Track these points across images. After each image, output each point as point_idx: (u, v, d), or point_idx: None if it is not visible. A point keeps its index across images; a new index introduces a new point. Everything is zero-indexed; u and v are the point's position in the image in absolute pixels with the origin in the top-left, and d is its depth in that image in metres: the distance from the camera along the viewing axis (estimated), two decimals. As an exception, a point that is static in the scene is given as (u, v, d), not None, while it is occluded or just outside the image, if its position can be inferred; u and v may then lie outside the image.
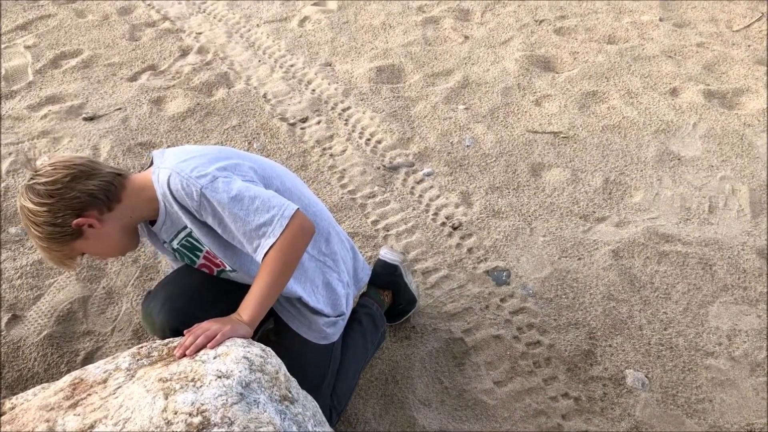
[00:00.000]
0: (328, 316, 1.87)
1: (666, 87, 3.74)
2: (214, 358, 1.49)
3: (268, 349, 1.61)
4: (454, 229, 2.84)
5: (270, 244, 1.56)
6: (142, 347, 1.62)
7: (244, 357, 1.50)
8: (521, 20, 4.44)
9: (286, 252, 1.57)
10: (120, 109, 3.51)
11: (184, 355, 1.50)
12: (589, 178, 3.12)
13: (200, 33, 4.14)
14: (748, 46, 4.12)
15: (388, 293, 2.35)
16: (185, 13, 4.38)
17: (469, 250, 2.75)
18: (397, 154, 3.23)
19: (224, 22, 4.19)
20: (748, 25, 4.36)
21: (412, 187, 3.08)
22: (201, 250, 1.78)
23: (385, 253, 2.39)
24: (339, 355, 1.98)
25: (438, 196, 3.03)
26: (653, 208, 2.98)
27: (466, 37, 4.24)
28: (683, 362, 2.32)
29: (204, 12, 4.36)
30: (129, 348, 1.96)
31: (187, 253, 1.81)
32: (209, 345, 1.52)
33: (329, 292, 1.87)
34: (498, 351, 2.34)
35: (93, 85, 3.73)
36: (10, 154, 3.14)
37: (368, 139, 3.33)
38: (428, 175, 3.15)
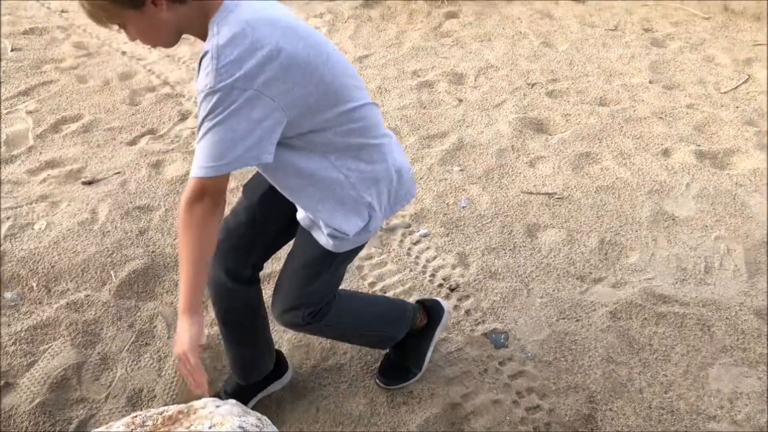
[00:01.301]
0: (335, 235, 1.75)
1: (658, 148, 3.79)
2: (210, 428, 1.47)
3: (264, 418, 1.59)
4: (452, 290, 2.84)
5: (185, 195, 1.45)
6: (136, 416, 1.60)
7: (240, 427, 1.48)
8: (514, 83, 4.53)
9: (181, 221, 1.45)
10: (119, 172, 3.55)
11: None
12: (584, 238, 3.14)
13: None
14: (736, 107, 4.20)
15: (424, 317, 2.39)
16: (185, 77, 4.47)
17: (467, 312, 2.74)
18: (394, 215, 3.25)
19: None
20: (735, 87, 4.47)
21: (409, 248, 3.09)
22: None
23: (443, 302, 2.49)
24: (340, 274, 1.91)
25: (435, 257, 3.03)
26: (649, 268, 2.98)
27: (460, 100, 4.32)
28: (685, 426, 2.29)
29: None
30: (123, 416, 1.93)
31: None
32: (191, 376, 1.57)
33: (344, 212, 1.72)
34: (497, 416, 2.31)
35: (92, 149, 3.77)
36: (8, 218, 3.15)
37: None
38: (425, 236, 3.16)
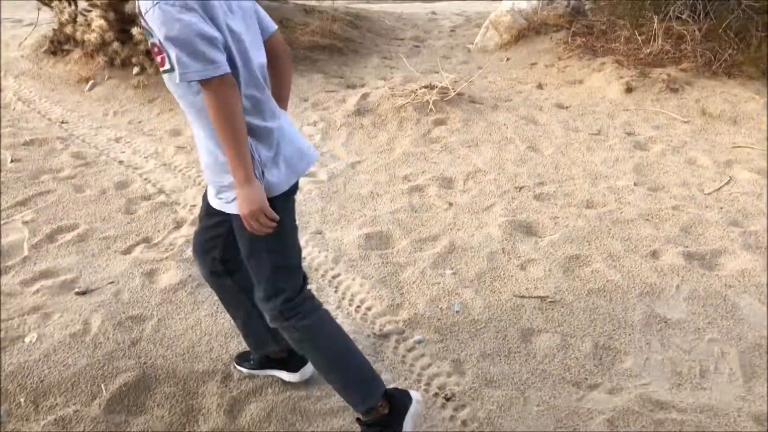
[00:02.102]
0: (220, 190, 1.99)
1: (646, 249, 3.86)
2: None
3: None
4: (447, 400, 2.81)
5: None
6: None
7: None
8: (502, 187, 4.65)
9: (212, 103, 1.76)
10: (113, 282, 3.56)
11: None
12: (578, 343, 3.14)
13: (194, 205, 4.29)
14: (720, 208, 4.31)
15: (386, 406, 2.38)
16: (180, 186, 4.56)
17: (463, 422, 2.70)
18: (387, 321, 3.26)
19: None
20: (718, 189, 4.59)
21: (403, 356, 3.08)
22: (152, 36, 1.76)
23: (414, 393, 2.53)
24: (278, 243, 2.02)
25: (429, 365, 3.01)
26: (644, 373, 2.97)
27: (450, 204, 4.41)
28: None
29: (199, 185, 4.55)
30: None
31: (147, 31, 1.82)
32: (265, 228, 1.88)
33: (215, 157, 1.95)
34: None
35: (87, 259, 3.80)
36: (-1, 331, 3.13)
37: (358, 306, 3.37)
38: (419, 342, 3.15)
